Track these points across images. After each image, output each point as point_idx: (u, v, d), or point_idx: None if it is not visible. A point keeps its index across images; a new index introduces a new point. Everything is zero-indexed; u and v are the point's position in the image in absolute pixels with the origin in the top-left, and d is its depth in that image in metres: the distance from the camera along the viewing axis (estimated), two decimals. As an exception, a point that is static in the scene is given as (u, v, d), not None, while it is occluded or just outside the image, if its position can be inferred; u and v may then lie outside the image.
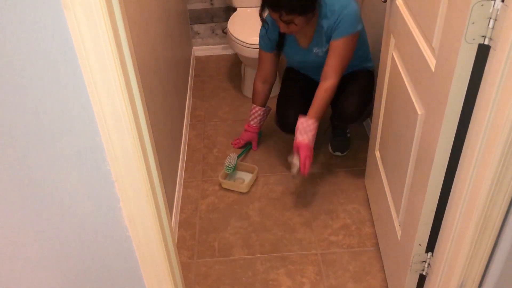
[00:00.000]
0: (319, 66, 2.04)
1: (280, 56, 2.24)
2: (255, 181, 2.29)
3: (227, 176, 2.31)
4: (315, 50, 2.07)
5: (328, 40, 1.98)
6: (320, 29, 1.98)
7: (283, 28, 1.93)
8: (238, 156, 2.36)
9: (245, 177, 2.31)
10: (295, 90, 2.27)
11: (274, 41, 2.12)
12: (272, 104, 2.35)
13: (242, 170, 2.34)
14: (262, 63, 2.25)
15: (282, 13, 1.85)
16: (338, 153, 2.42)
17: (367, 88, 2.17)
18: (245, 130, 2.43)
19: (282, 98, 2.27)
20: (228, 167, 2.27)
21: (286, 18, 1.87)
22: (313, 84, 2.10)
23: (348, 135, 2.45)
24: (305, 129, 1.97)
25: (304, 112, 2.01)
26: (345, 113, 2.12)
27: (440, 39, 1.13)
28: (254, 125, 2.39)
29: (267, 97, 2.34)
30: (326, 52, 2.01)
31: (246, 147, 2.46)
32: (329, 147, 2.45)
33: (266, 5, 1.90)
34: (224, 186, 2.27)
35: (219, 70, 3.19)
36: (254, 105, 2.35)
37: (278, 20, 1.90)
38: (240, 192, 2.23)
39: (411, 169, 1.41)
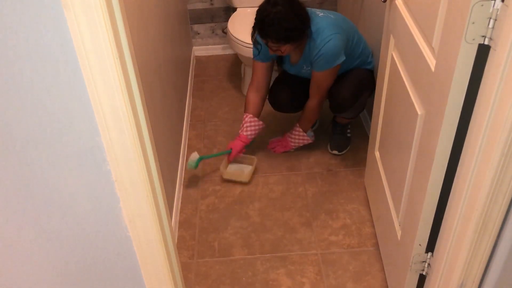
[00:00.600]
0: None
1: (274, 66, 2.31)
2: (255, 172, 2.32)
3: (228, 168, 2.32)
4: (305, 67, 2.17)
5: (312, 60, 2.07)
6: (307, 51, 2.07)
7: (272, 51, 2.03)
8: (208, 157, 2.32)
9: (245, 170, 2.32)
10: (291, 75, 2.31)
11: (268, 55, 2.16)
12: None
13: (241, 163, 2.35)
14: (255, 72, 2.26)
15: (268, 40, 1.95)
16: (336, 152, 2.41)
17: (361, 81, 2.20)
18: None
19: (278, 79, 2.38)
20: (189, 164, 2.25)
21: (272, 46, 1.97)
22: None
23: (349, 135, 2.45)
24: (295, 135, 2.33)
25: (297, 94, 2.25)
26: (337, 101, 2.17)
27: (440, 39, 1.13)
28: (242, 133, 2.28)
29: (259, 107, 2.29)
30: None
31: (224, 152, 2.33)
32: (328, 146, 2.45)
33: (256, 30, 1.98)
34: (226, 177, 2.28)
35: (219, 70, 3.19)
36: (246, 114, 2.29)
37: (267, 44, 2.00)
38: (242, 187, 2.23)
39: (411, 169, 1.41)
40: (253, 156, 2.34)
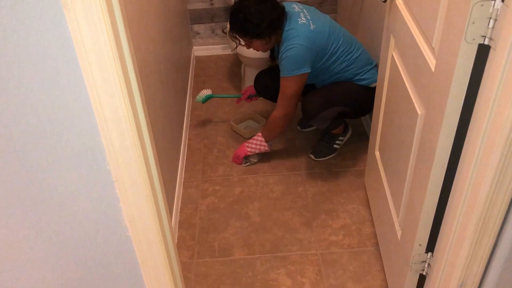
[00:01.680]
0: None
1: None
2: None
3: (239, 123, 2.64)
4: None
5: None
6: (278, 50, 2.13)
7: (246, 46, 2.16)
8: (217, 96, 2.71)
9: (253, 126, 2.63)
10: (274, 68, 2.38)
11: None
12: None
13: (254, 120, 2.67)
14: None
15: (235, 34, 2.07)
16: (312, 156, 2.40)
17: (339, 95, 2.16)
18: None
19: (265, 69, 2.50)
20: (198, 97, 2.63)
21: (242, 39, 2.10)
22: None
23: (336, 146, 2.40)
24: (253, 141, 2.33)
25: (274, 81, 2.22)
26: (304, 105, 2.18)
27: (440, 39, 1.13)
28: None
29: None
30: None
31: (234, 95, 2.66)
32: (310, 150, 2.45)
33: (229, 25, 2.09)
34: (233, 129, 2.60)
35: (219, 70, 3.19)
36: None
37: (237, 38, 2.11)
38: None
39: (411, 169, 1.41)
40: (261, 119, 2.62)
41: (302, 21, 2.02)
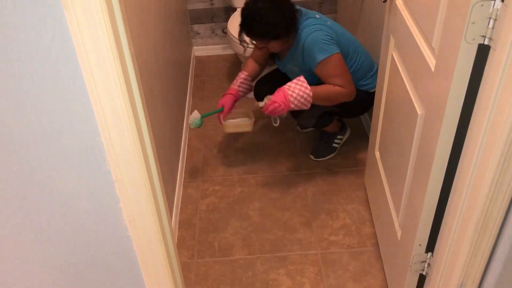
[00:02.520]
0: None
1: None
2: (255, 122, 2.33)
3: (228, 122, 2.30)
4: (289, 66, 2.14)
5: (304, 60, 2.01)
6: (294, 49, 2.04)
7: (259, 50, 2.07)
8: (205, 115, 2.25)
9: (246, 121, 2.33)
10: (278, 73, 2.31)
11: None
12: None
13: (239, 117, 2.35)
14: (252, 52, 2.31)
15: (252, 37, 1.97)
16: (312, 157, 2.39)
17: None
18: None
19: (265, 75, 2.36)
20: (194, 122, 2.23)
21: (258, 43, 2.00)
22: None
23: (335, 145, 2.40)
24: (297, 83, 1.96)
25: (275, 87, 2.01)
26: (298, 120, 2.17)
27: (440, 39, 1.13)
28: (233, 87, 2.24)
29: (256, 71, 2.30)
30: (302, 70, 2.05)
31: (217, 110, 2.23)
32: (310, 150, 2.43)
33: (241, 28, 1.99)
34: (229, 130, 2.26)
35: (219, 70, 3.19)
36: (242, 71, 2.28)
37: (252, 42, 2.01)
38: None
39: (411, 169, 1.41)
40: (248, 110, 2.31)
41: (317, 16, 2.00)
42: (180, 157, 2.35)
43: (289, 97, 1.94)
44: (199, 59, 3.31)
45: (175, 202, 2.07)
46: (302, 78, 1.97)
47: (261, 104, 2.03)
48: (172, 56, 2.34)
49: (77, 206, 1.02)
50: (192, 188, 2.28)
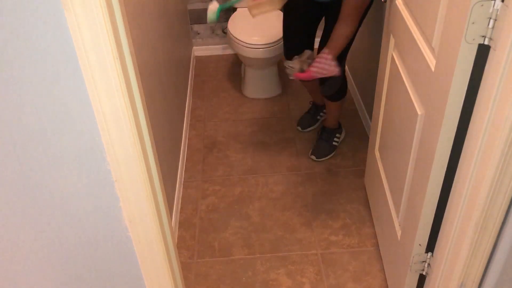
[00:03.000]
0: None
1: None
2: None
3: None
4: None
5: None
6: None
7: None
8: (227, 6, 2.05)
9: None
10: (296, 19, 2.16)
11: None
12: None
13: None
14: None
15: None
16: (313, 157, 2.39)
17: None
18: None
19: (285, 29, 2.20)
20: (210, 17, 2.03)
21: None
22: (313, 7, 2.06)
23: (335, 143, 2.41)
24: (321, 64, 1.87)
25: (307, 39, 2.05)
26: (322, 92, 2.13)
27: (440, 39, 1.13)
28: None
29: None
30: None
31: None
32: (310, 150, 2.43)
33: None
34: (255, 12, 1.93)
35: (219, 70, 3.19)
36: None
37: None
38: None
39: (411, 169, 1.41)
40: None
41: None
42: (180, 157, 2.35)
43: (316, 74, 1.87)
44: (199, 59, 3.31)
45: (175, 202, 2.07)
46: (324, 55, 1.86)
47: (290, 64, 1.93)
48: (172, 56, 2.34)
49: (77, 206, 1.02)
50: (192, 188, 2.28)
